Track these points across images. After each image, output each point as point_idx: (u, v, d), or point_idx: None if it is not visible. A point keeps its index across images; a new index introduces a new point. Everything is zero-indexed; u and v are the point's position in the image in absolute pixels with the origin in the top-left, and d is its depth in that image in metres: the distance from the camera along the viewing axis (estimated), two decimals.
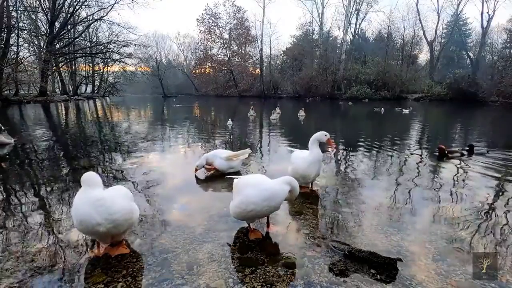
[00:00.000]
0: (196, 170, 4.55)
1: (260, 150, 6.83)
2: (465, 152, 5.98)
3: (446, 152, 5.80)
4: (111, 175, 4.62)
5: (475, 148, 6.17)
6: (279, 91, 46.92)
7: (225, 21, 51.76)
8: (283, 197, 2.59)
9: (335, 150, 3.27)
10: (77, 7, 32.43)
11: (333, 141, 3.68)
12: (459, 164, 5.41)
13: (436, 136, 9.57)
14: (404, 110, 18.53)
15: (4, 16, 24.69)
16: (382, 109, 19.29)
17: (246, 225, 2.80)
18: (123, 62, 39.97)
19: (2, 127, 7.02)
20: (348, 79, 40.28)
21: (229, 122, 11.24)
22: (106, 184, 2.87)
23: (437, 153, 5.96)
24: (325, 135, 3.60)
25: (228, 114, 17.34)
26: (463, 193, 3.85)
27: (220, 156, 4.48)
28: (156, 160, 5.64)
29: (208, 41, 52.86)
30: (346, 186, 4.12)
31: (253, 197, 2.50)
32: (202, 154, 5.13)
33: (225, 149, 5.77)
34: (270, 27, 63.26)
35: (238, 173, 4.64)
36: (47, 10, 31.40)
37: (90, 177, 2.27)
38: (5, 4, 24.60)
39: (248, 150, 4.61)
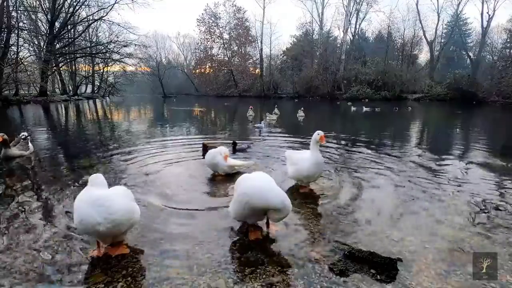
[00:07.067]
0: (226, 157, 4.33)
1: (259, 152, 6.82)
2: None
3: (207, 147, 5.91)
4: (112, 175, 4.61)
5: (237, 144, 6.66)
6: (279, 91, 46.90)
7: (225, 21, 51.78)
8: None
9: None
10: (77, 7, 32.57)
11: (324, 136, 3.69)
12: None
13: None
14: (364, 107, 20.44)
15: (4, 16, 24.67)
16: (353, 107, 21.46)
17: (246, 225, 2.80)
18: (123, 62, 39.97)
19: (26, 135, 5.97)
20: (348, 79, 40.26)
21: (260, 124, 9.57)
22: (108, 185, 2.86)
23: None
24: (318, 134, 3.62)
25: (236, 114, 17.23)
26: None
27: (223, 161, 4.34)
28: (157, 160, 5.63)
29: (208, 41, 52.84)
30: (346, 186, 4.12)
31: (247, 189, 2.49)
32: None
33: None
34: (270, 27, 63.30)
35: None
36: (47, 10, 31.46)
37: (96, 178, 2.44)
38: (5, 4, 24.59)
39: (251, 163, 4.55)
